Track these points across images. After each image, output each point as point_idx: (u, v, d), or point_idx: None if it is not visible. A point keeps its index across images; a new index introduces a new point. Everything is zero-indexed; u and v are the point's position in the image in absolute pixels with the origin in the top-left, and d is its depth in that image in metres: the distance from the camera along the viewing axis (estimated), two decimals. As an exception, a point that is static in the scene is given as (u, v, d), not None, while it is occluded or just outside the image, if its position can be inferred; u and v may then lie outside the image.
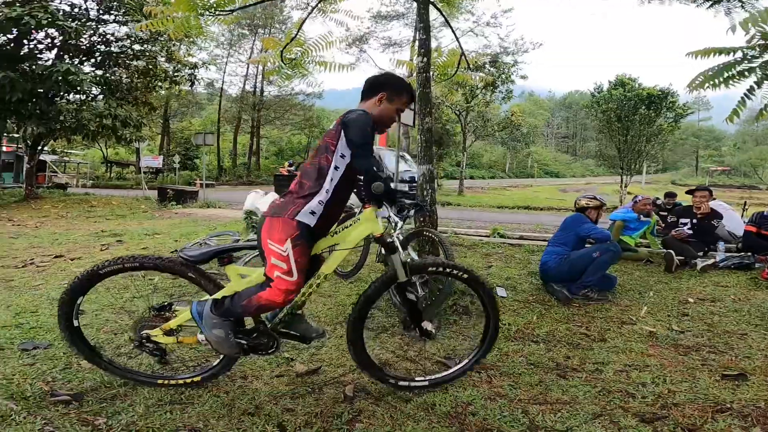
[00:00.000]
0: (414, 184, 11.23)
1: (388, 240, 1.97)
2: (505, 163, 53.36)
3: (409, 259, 2.03)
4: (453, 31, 4.40)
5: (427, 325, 2.08)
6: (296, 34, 4.27)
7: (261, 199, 7.21)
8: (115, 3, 11.73)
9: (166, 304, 2.14)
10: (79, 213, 10.60)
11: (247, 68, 28.33)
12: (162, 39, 12.01)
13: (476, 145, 47.90)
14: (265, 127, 30.98)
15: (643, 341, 2.84)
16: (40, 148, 12.72)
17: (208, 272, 2.13)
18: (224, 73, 29.83)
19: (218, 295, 1.99)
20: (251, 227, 6.18)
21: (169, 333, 2.05)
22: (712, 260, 4.93)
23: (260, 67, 27.41)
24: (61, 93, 11.11)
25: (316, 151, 1.98)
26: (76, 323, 2.10)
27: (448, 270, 2.05)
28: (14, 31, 9.98)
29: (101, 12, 12.03)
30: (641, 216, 5.52)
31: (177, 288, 3.82)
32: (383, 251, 2.03)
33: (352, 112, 1.93)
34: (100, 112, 11.47)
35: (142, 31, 4.08)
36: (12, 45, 10.82)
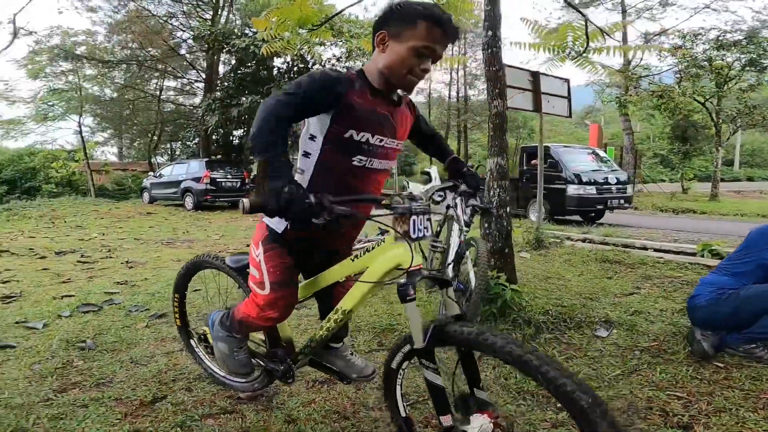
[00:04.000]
0: (609, 186, 9.27)
1: (402, 281, 1.21)
2: (808, 160, 37.79)
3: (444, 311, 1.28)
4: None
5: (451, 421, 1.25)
6: (326, 20, 4.38)
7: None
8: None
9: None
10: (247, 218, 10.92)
11: (450, 73, 29.05)
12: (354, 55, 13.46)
13: (758, 139, 35.51)
14: (473, 132, 31.04)
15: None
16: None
17: None
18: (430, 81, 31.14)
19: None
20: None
21: None
22: None
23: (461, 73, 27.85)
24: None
25: None
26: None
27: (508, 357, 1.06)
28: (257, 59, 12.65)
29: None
30: None
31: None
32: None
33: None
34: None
35: (269, 53, 4.97)
36: (259, 71, 14.03)
